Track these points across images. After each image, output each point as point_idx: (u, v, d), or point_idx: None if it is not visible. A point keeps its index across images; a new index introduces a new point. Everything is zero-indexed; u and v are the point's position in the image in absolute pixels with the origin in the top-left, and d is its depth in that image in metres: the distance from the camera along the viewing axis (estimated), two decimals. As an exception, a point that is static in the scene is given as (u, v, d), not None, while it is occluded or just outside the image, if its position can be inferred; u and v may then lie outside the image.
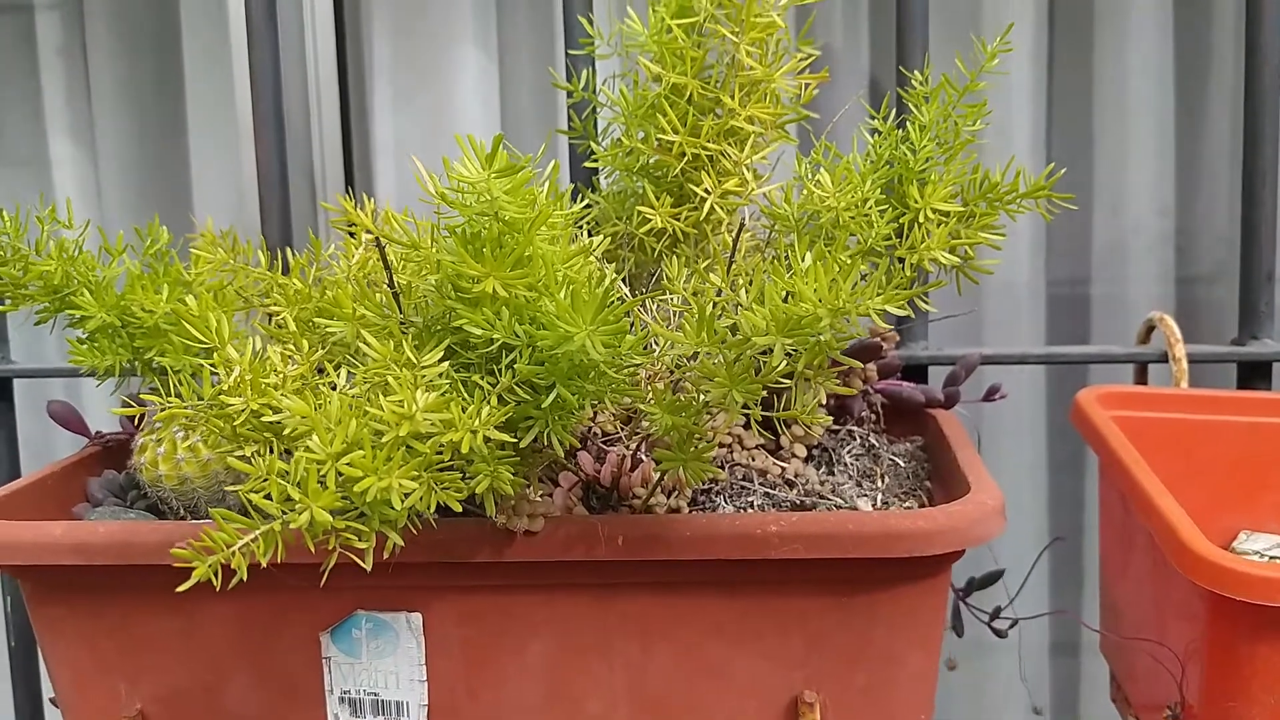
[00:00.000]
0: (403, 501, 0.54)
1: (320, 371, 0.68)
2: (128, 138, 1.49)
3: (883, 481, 0.88)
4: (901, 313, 0.56)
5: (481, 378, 0.60)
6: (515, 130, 1.45)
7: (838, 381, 0.61)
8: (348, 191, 1.45)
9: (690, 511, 0.79)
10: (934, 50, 1.19)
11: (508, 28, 1.43)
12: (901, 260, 0.76)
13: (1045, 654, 1.49)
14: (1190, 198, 1.40)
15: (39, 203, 0.85)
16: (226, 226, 1.43)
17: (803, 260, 0.60)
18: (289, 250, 0.94)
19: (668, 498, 0.78)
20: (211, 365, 0.63)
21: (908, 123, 0.78)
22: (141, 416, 0.85)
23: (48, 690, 1.21)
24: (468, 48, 1.39)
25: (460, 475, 0.58)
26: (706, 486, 0.82)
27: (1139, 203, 1.38)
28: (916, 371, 1.09)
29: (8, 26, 1.50)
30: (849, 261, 0.59)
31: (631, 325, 0.67)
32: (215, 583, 0.52)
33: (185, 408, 0.62)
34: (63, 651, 0.79)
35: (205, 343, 0.65)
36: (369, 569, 0.56)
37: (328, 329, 0.69)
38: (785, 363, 0.61)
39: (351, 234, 0.89)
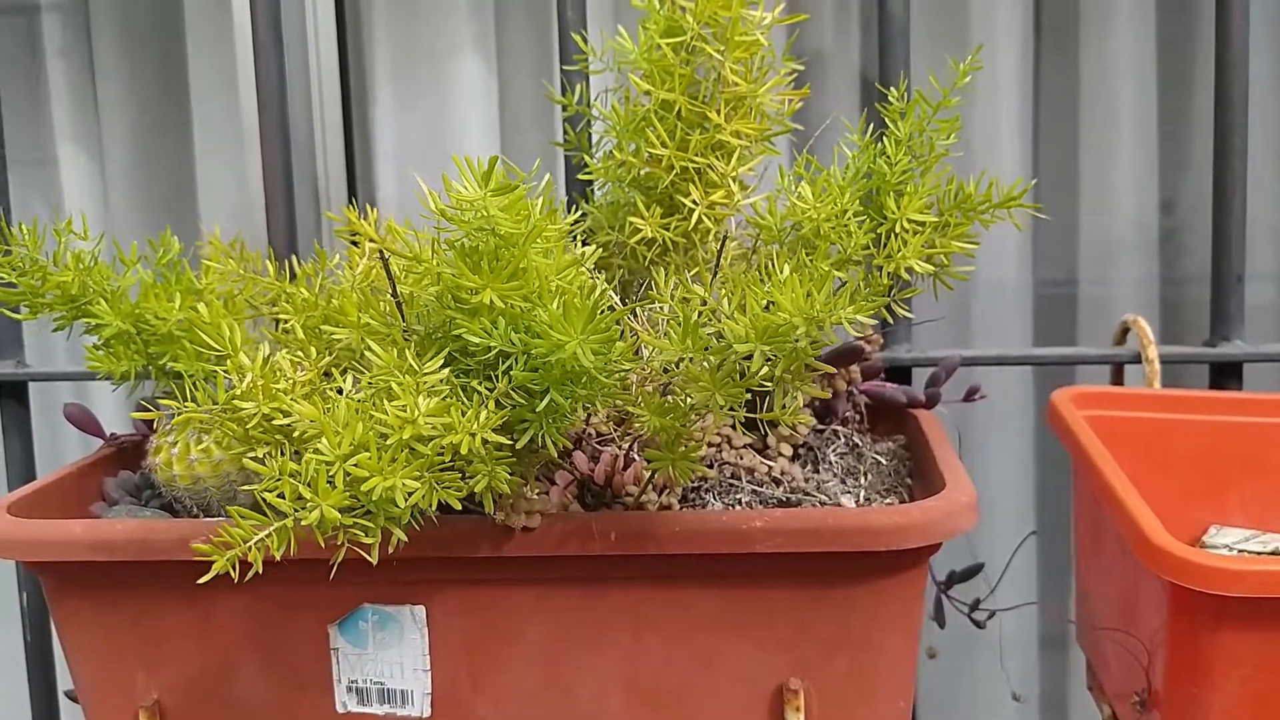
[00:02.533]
0: (406, 500, 0.58)
1: (327, 376, 0.72)
2: (133, 138, 1.52)
3: (866, 479, 0.92)
4: (871, 322, 0.59)
5: (479, 383, 0.64)
6: (514, 138, 1.48)
7: (817, 386, 0.65)
8: (350, 197, 1.49)
9: (681, 508, 0.83)
10: (926, 55, 1.22)
11: (506, 37, 1.46)
12: (879, 268, 0.80)
13: (1034, 647, 1.52)
14: (1175, 198, 1.44)
15: (53, 213, 0.89)
16: (231, 225, 1.47)
17: (781, 271, 0.64)
18: (295, 258, 0.98)
19: (659, 495, 0.82)
20: (225, 371, 0.67)
21: (885, 136, 0.82)
22: (155, 421, 0.89)
23: (63, 684, 1.26)
24: (467, 57, 1.42)
25: (460, 475, 0.62)
26: (696, 484, 0.86)
27: (1125, 203, 1.42)
28: (900, 373, 1.13)
29: (13, 28, 1.53)
30: (825, 272, 0.63)
31: (622, 333, 0.71)
32: (234, 575, 0.56)
33: (201, 412, 0.65)
34: (83, 643, 0.83)
35: (219, 350, 0.69)
36: (375, 563, 0.60)
37: (334, 336, 0.73)
38: (765, 368, 0.65)
39: (354, 243, 0.93)
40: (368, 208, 0.94)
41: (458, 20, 1.42)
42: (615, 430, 0.85)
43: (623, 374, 0.69)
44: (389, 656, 0.79)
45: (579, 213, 0.88)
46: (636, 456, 0.82)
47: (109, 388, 0.90)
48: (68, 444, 1.51)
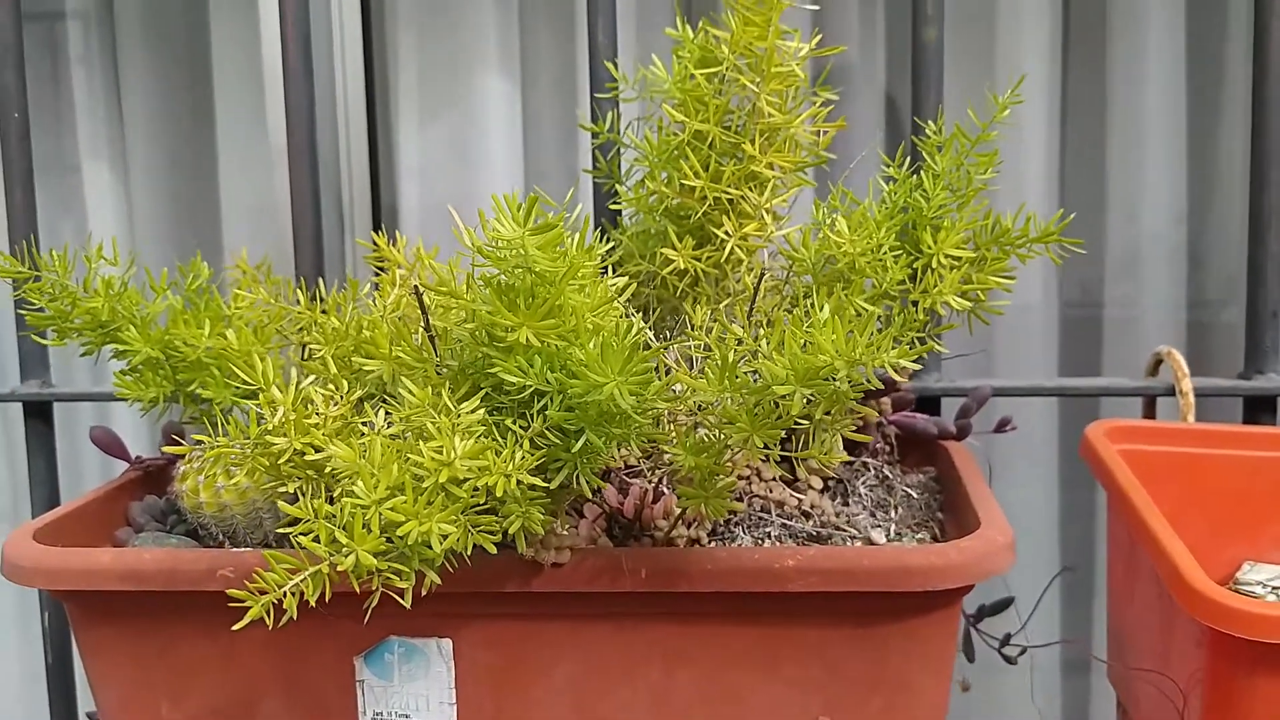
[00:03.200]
0: (441, 543, 0.57)
1: (358, 407, 0.71)
2: (158, 152, 1.52)
3: (896, 512, 0.91)
4: (915, 366, 0.58)
5: (514, 421, 0.63)
6: (536, 156, 1.48)
7: (853, 427, 0.64)
8: (374, 215, 1.48)
9: (710, 542, 0.82)
10: (951, 74, 1.21)
11: (530, 54, 1.46)
12: (915, 303, 0.79)
13: (1057, 671, 1.51)
14: (1204, 220, 1.42)
15: (87, 239, 0.88)
16: (256, 241, 1.46)
17: (821, 311, 0.63)
18: (322, 282, 0.98)
19: (688, 529, 0.82)
20: (256, 405, 0.67)
21: (922, 170, 0.81)
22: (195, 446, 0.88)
23: (84, 704, 1.25)
24: (491, 74, 1.42)
25: (494, 516, 0.62)
26: (726, 517, 0.85)
27: (1153, 224, 1.40)
28: (929, 403, 1.12)
29: (36, 36, 1.53)
30: (866, 312, 0.62)
31: (655, 369, 0.70)
32: (269, 621, 0.55)
33: (233, 446, 0.65)
34: (108, 672, 0.82)
35: (250, 381, 0.69)
36: (408, 606, 0.60)
37: (365, 367, 0.72)
38: (804, 408, 0.64)
39: (381, 269, 0.93)
40: (396, 235, 0.93)
41: (483, 38, 1.42)
42: (644, 462, 0.84)
43: (656, 412, 0.68)
44: (415, 689, 0.79)
45: (609, 243, 0.87)
46: (666, 490, 0.81)
47: (130, 408, 0.90)
48: (88, 463, 1.51)
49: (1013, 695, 1.41)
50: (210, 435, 0.73)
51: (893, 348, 0.58)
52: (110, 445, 0.99)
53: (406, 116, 1.44)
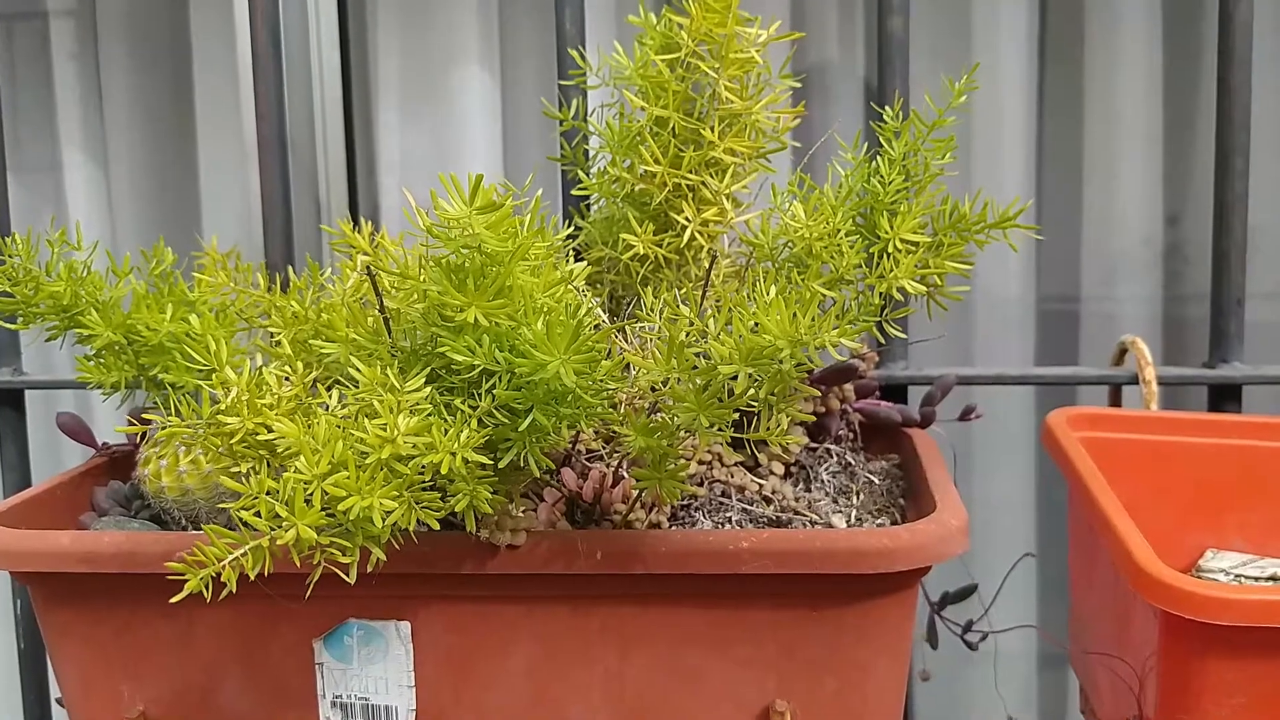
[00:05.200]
0: (384, 520, 0.57)
1: (316, 390, 0.72)
2: (139, 145, 1.52)
3: (858, 499, 0.91)
4: (854, 345, 0.59)
5: (463, 401, 0.63)
6: (516, 151, 1.48)
7: (801, 409, 0.65)
8: (351, 209, 1.49)
9: (670, 526, 0.83)
10: (930, 73, 1.22)
11: (511, 50, 1.46)
12: (871, 288, 0.79)
13: (1033, 665, 1.52)
14: (1181, 214, 1.43)
15: (50, 223, 0.89)
16: (236, 234, 1.47)
17: (768, 292, 0.64)
18: (292, 270, 0.98)
19: (648, 513, 0.82)
20: (210, 386, 0.67)
21: (879, 155, 0.81)
22: (145, 431, 0.89)
23: (56, 691, 1.25)
24: (472, 67, 1.42)
25: (440, 494, 0.62)
26: (686, 502, 0.85)
27: (1130, 219, 1.41)
28: (896, 391, 1.12)
29: (24, 34, 1.53)
30: (811, 294, 0.62)
31: (609, 351, 0.71)
32: (206, 595, 0.55)
33: (185, 426, 0.65)
34: (70, 654, 0.83)
35: (205, 364, 0.69)
36: (352, 581, 0.60)
37: (323, 350, 0.72)
38: (751, 389, 0.64)
39: (353, 256, 0.93)
40: (362, 221, 0.94)
41: (463, 33, 1.42)
42: (605, 447, 0.85)
43: (610, 393, 0.69)
44: (374, 672, 0.79)
45: (571, 228, 0.88)
46: (625, 474, 0.81)
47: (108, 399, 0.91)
48: (69, 451, 1.51)
49: (984, 689, 1.41)
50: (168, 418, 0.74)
51: (833, 329, 0.59)
52: (78, 432, 0.99)
53: (386, 109, 1.45)
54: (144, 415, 0.74)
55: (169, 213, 1.56)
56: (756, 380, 0.64)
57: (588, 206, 1.01)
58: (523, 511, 0.76)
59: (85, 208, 1.53)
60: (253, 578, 0.57)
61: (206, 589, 0.56)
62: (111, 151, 1.53)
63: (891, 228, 0.79)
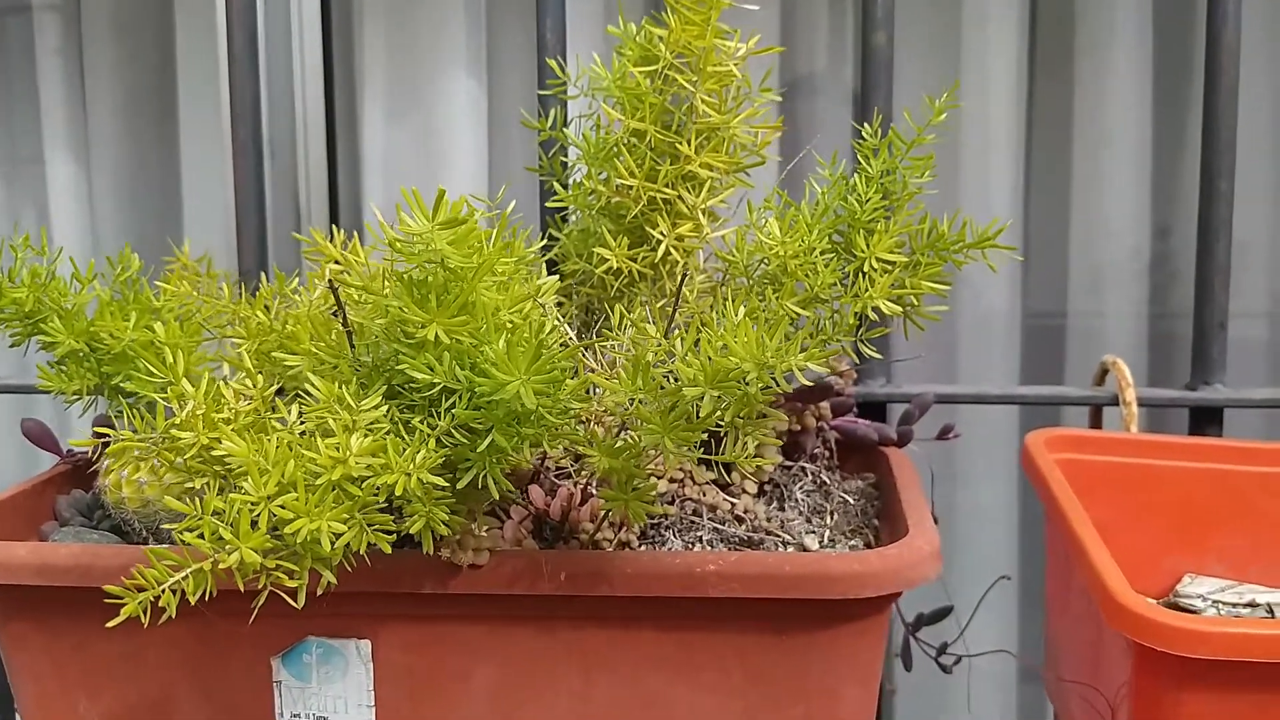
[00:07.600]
0: (333, 543, 0.56)
1: (277, 401, 0.70)
2: (121, 143, 1.51)
3: (832, 519, 0.90)
4: (820, 370, 0.58)
5: (421, 420, 0.62)
6: (503, 152, 1.47)
7: (767, 432, 0.63)
8: (332, 215, 1.47)
9: (640, 545, 0.81)
10: (918, 90, 1.20)
11: (497, 51, 1.45)
12: (846, 308, 0.78)
13: (1012, 684, 1.50)
14: (1168, 231, 1.42)
15: (16, 226, 0.87)
16: (217, 235, 1.45)
17: (736, 313, 0.62)
18: (265, 277, 0.97)
19: (616, 532, 0.81)
20: (165, 399, 0.65)
21: (856, 173, 0.80)
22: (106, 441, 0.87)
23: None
24: (458, 70, 1.41)
25: (395, 516, 0.60)
26: (656, 521, 0.84)
27: (1117, 236, 1.40)
28: (875, 408, 1.11)
29: (7, 29, 1.52)
30: (779, 316, 0.61)
31: (576, 370, 0.70)
32: (144, 620, 0.54)
33: (138, 440, 0.64)
34: (26, 667, 0.81)
35: (162, 375, 0.68)
36: (300, 606, 0.59)
37: (286, 363, 0.71)
38: (718, 411, 0.63)
39: (323, 265, 0.91)
40: (333, 230, 0.92)
41: (450, 31, 1.40)
42: (574, 464, 0.83)
43: (575, 413, 0.67)
44: (333, 691, 0.77)
45: (544, 241, 0.86)
46: (594, 492, 0.80)
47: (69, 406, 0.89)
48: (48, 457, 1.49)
49: (957, 704, 1.40)
50: (129, 429, 0.72)
51: (801, 351, 0.57)
52: (41, 438, 0.98)
53: (371, 114, 1.43)
54: (102, 427, 0.73)
55: (150, 211, 1.54)
56: (723, 402, 0.62)
57: (564, 218, 1.00)
58: (487, 530, 0.75)
59: (66, 204, 1.51)
60: (193, 602, 0.55)
61: (144, 614, 0.54)
62: (94, 148, 1.52)
63: (868, 246, 0.78)
